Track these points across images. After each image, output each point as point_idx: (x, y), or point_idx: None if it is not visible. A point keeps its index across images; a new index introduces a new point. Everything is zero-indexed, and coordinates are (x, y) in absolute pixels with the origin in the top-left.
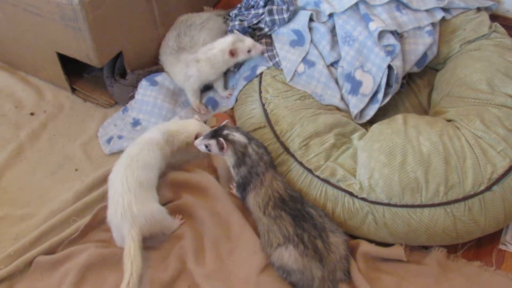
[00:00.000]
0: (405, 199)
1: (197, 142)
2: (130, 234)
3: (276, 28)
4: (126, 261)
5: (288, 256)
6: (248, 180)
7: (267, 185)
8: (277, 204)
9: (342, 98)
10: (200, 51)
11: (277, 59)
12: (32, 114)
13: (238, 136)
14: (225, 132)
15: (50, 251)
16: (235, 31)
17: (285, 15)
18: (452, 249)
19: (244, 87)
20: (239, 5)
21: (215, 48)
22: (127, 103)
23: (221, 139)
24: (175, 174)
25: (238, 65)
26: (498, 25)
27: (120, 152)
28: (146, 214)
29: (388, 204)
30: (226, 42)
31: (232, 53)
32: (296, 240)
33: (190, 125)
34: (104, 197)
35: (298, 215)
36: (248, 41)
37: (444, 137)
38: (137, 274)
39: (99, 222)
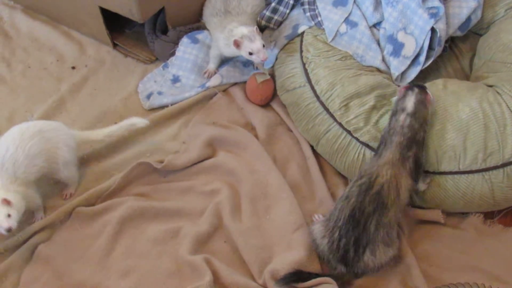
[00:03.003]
0: (443, 165)
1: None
2: None
3: None
4: None
5: (319, 244)
6: (388, 140)
7: (390, 165)
8: (365, 188)
9: (383, 59)
10: (230, 25)
11: (319, 19)
12: (73, 68)
13: None
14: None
15: (89, 202)
16: (256, 28)
17: None
18: (488, 214)
19: (284, 46)
20: None
21: (233, 32)
22: (167, 59)
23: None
24: (214, 130)
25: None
26: None
27: (160, 108)
28: None
29: (426, 171)
30: (240, 31)
31: (237, 44)
32: (334, 236)
33: None
34: (141, 152)
35: (357, 216)
36: (256, 45)
37: (484, 104)
38: None
39: (137, 176)
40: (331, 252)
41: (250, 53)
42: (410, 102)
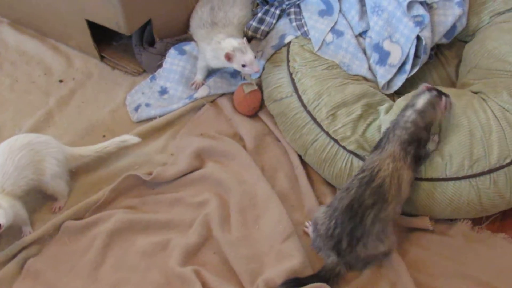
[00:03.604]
0: (429, 172)
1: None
2: None
3: None
4: None
5: (319, 229)
6: (391, 134)
7: (391, 159)
8: (367, 181)
9: (369, 68)
10: (217, 37)
11: (305, 28)
12: (61, 81)
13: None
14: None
15: (78, 216)
16: (246, 39)
17: None
18: (477, 221)
19: (271, 56)
20: None
21: (221, 44)
22: (155, 71)
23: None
24: (202, 142)
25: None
26: None
27: (148, 120)
28: None
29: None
30: (230, 43)
31: (228, 57)
32: (330, 224)
33: None
34: (130, 165)
35: (355, 208)
36: (248, 57)
37: (469, 110)
38: None
39: (125, 189)
40: (326, 239)
41: (243, 65)
42: (421, 100)
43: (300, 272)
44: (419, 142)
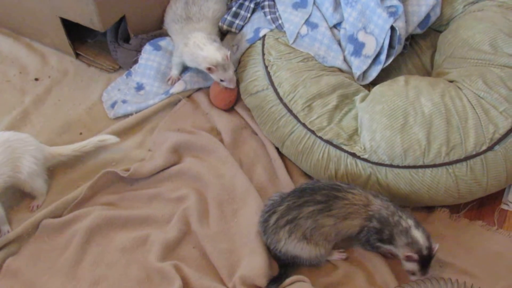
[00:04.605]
0: (407, 160)
1: None
2: None
3: None
4: None
5: None
6: None
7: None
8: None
9: (344, 59)
10: (195, 38)
11: (280, 21)
12: (36, 79)
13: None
14: None
15: (56, 214)
16: (230, 53)
17: None
18: (454, 209)
19: (246, 49)
20: None
21: (203, 51)
22: (130, 67)
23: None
24: (179, 137)
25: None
26: None
27: (124, 116)
28: None
29: (391, 165)
30: (213, 57)
31: (209, 70)
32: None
33: None
34: (107, 161)
35: (306, 192)
36: (229, 74)
37: (445, 98)
38: None
39: (103, 185)
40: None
41: (222, 80)
42: None
43: (270, 266)
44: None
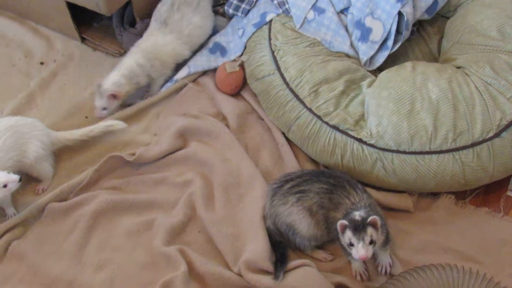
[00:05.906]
0: (414, 146)
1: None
2: None
3: None
4: None
5: None
6: None
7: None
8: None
9: (351, 45)
10: (141, 49)
11: (286, 6)
12: (42, 63)
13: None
14: None
15: (62, 198)
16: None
17: None
18: (460, 195)
19: (253, 34)
20: None
21: (110, 75)
22: None
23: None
24: (185, 121)
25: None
26: None
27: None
28: None
29: (397, 151)
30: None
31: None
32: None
33: None
34: (113, 145)
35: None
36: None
37: (453, 84)
38: None
39: (109, 169)
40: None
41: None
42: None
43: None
44: None
